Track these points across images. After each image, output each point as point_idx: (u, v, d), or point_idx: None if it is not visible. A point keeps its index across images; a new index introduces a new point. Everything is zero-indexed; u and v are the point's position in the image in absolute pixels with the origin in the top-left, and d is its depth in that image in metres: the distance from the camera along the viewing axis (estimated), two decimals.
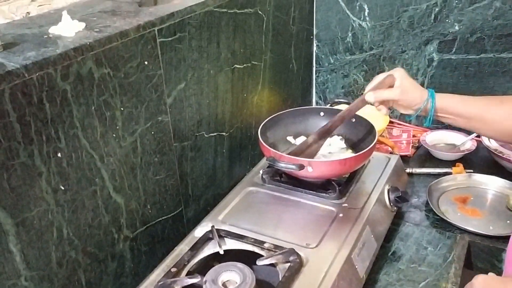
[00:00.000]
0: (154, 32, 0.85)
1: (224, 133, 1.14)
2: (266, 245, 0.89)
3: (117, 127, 0.82)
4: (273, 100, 1.35)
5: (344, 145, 1.16)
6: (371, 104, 0.99)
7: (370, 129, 1.10)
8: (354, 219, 0.96)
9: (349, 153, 1.13)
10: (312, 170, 0.98)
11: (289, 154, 1.03)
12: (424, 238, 1.07)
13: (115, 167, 0.83)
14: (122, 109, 0.82)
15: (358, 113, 1.07)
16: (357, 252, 0.89)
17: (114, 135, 0.81)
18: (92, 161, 0.78)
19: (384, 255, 1.02)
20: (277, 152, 1.02)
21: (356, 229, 0.93)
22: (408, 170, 1.30)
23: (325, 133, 1.07)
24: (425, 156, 1.39)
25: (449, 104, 0.94)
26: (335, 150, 1.13)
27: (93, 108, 0.76)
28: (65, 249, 0.76)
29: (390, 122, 1.50)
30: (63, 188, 0.74)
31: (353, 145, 1.16)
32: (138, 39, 0.82)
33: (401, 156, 1.33)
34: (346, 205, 1.00)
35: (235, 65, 1.13)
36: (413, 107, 0.97)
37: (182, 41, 0.92)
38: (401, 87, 0.96)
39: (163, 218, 0.98)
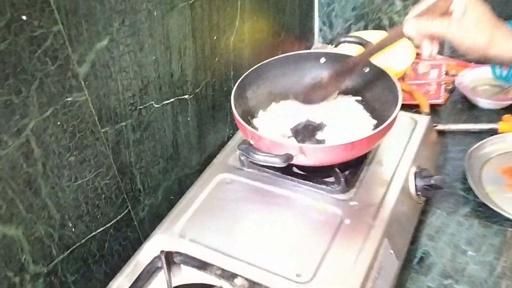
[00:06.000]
0: None
1: (186, 96, 0.82)
2: (238, 282, 0.61)
3: None
4: (259, 37, 1.00)
5: (365, 113, 0.84)
6: (409, 39, 0.66)
7: (390, 87, 0.77)
8: (366, 228, 0.67)
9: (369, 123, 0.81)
10: (305, 158, 0.67)
11: (295, 95, 0.76)
12: (461, 235, 0.79)
13: None
14: None
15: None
16: (370, 284, 0.62)
17: None
18: None
19: (407, 264, 0.74)
20: (255, 131, 0.70)
21: (370, 246, 0.65)
22: (439, 127, 0.98)
23: (345, 73, 0.78)
24: (461, 104, 1.06)
25: None
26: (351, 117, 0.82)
27: None
28: None
29: (416, 54, 1.14)
30: None
31: (368, 108, 0.83)
32: None
33: (430, 106, 1.01)
34: (355, 203, 0.71)
35: None
36: (475, 53, 0.62)
37: None
38: (461, 19, 0.60)
39: (99, 231, 0.70)
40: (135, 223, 0.78)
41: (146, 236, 0.80)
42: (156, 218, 0.82)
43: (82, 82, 0.60)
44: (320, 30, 1.28)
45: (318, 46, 1.30)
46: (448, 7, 0.61)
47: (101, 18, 0.60)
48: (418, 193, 0.76)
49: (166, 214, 0.82)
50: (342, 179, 0.72)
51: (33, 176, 0.58)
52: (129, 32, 0.66)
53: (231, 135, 0.98)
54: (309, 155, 0.67)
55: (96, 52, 0.61)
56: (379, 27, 1.19)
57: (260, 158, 0.65)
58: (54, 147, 0.59)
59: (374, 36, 1.16)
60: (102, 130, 0.66)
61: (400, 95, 0.73)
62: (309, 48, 1.29)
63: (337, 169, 0.73)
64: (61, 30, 0.56)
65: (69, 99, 0.59)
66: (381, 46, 0.73)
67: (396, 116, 0.70)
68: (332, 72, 0.79)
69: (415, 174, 0.76)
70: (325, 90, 0.80)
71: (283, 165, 0.64)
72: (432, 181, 0.74)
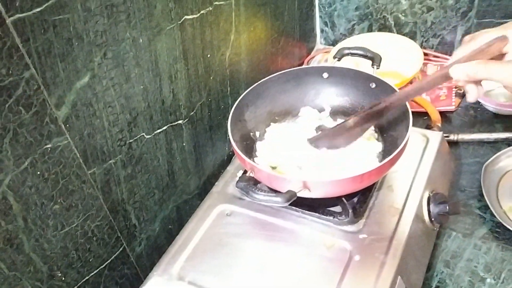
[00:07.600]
0: None
1: (180, 121, 0.77)
2: None
3: None
4: (256, 47, 0.94)
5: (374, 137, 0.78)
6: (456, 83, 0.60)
7: (401, 109, 0.71)
8: (378, 265, 0.62)
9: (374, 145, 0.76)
10: (310, 193, 0.62)
11: (311, 140, 0.73)
12: (479, 260, 0.74)
13: None
14: None
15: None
16: None
17: None
18: None
19: None
20: (255, 165, 0.65)
21: (382, 286, 0.60)
22: (451, 137, 0.92)
23: (374, 115, 0.69)
24: (474, 110, 1.00)
25: None
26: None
27: None
28: None
29: (424, 54, 1.08)
30: None
31: (376, 127, 0.78)
32: None
33: (440, 113, 0.95)
34: (364, 236, 0.66)
35: (185, 17, 0.71)
36: None
37: (65, 6, 0.52)
38: None
39: (92, 274, 0.66)
40: (132, 259, 0.74)
41: (144, 270, 0.76)
42: (154, 250, 0.78)
43: (62, 126, 0.55)
44: (322, 31, 1.21)
45: (320, 48, 1.24)
46: (501, 49, 0.54)
47: (79, 55, 0.55)
48: (432, 219, 0.71)
49: (164, 244, 0.78)
50: (350, 210, 0.67)
51: (14, 233, 0.53)
52: (113, 64, 0.60)
53: (230, 153, 0.93)
54: (314, 190, 0.62)
55: (76, 92, 0.56)
56: (384, 27, 1.13)
57: (260, 198, 0.60)
58: (35, 198, 0.55)
59: (380, 39, 1.10)
60: (89, 172, 0.61)
61: (410, 115, 0.68)
62: (311, 51, 1.23)
63: (344, 199, 0.68)
64: (34, 75, 0.50)
65: (48, 146, 0.54)
66: (420, 90, 0.65)
67: (407, 141, 0.65)
68: (360, 115, 0.71)
69: (429, 199, 0.71)
70: (349, 134, 0.72)
71: (285, 204, 0.59)
72: (448, 208, 0.69)
